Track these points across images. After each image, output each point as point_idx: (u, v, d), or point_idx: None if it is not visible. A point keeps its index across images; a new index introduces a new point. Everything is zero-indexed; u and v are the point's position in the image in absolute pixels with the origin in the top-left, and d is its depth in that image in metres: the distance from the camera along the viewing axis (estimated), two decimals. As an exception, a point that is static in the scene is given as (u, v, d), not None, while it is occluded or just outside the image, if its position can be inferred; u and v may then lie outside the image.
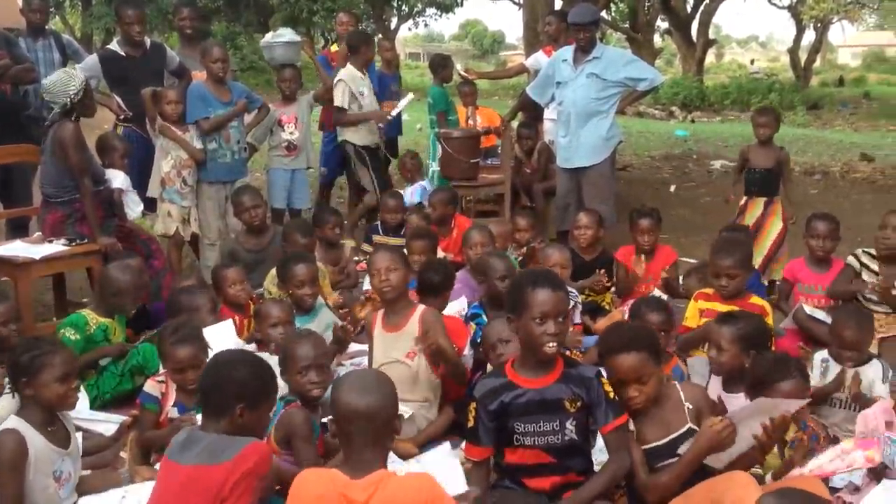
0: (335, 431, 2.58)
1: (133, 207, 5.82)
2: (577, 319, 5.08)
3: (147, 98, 6.26)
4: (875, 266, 4.88)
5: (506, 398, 3.00)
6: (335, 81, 7.30)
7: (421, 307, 4.01)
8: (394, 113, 7.69)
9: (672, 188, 10.50)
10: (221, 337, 4.05)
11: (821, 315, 4.68)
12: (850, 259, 5.04)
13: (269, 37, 7.87)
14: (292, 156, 7.14)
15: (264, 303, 4.56)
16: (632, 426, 3.10)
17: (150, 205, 6.30)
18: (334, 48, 8.33)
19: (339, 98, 7.23)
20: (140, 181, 6.12)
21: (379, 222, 6.39)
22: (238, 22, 24.27)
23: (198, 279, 5.89)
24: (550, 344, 2.94)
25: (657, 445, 3.08)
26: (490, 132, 8.16)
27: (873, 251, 4.94)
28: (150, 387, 3.75)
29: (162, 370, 3.83)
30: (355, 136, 7.43)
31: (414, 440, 3.72)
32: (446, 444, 3.27)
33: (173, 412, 3.66)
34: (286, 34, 7.68)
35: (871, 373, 3.90)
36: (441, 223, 6.21)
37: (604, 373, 3.12)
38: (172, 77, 6.73)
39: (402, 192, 7.18)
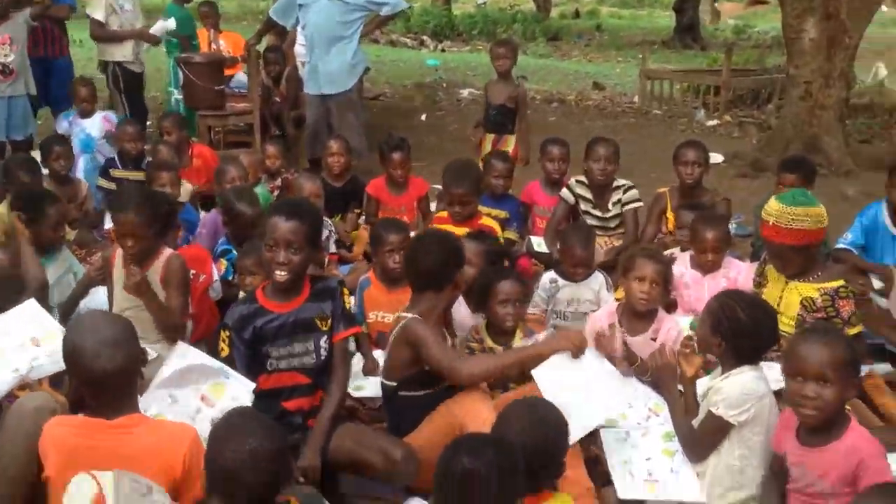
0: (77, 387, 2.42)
1: None
2: (332, 249, 5.13)
3: None
4: (590, 195, 5.19)
5: (258, 323, 2.99)
6: None
7: (167, 251, 3.81)
8: (155, 31, 7.22)
9: (423, 117, 10.73)
10: None
11: (544, 248, 5.05)
12: (564, 192, 5.25)
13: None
14: (8, 81, 6.54)
15: None
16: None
17: None
18: None
19: (97, 11, 6.92)
20: None
21: (116, 154, 5.97)
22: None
23: None
24: (278, 272, 2.94)
25: None
26: (237, 61, 7.88)
27: (585, 179, 5.23)
28: None
29: None
30: (118, 54, 7.07)
31: None
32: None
33: None
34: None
35: (596, 284, 4.30)
36: (177, 151, 5.91)
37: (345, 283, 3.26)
38: None
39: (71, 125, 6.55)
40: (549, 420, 2.35)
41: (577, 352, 3.01)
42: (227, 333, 3.01)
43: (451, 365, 2.99)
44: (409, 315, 3.11)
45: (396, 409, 3.22)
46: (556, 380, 2.95)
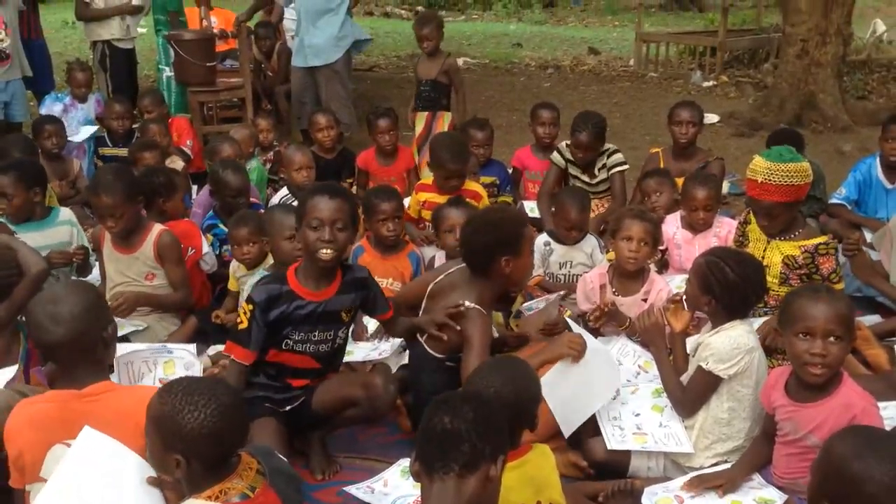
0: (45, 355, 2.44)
1: None
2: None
3: None
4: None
5: (287, 308, 2.95)
6: None
7: (157, 228, 3.83)
8: (136, 1, 7.20)
9: (417, 87, 10.66)
10: None
11: (537, 213, 5.09)
12: (555, 156, 5.24)
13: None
14: (5, 66, 6.50)
15: None
16: None
17: None
18: None
19: None
20: None
21: (106, 132, 5.98)
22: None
23: None
24: (324, 250, 2.88)
25: None
26: (228, 37, 7.84)
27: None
28: None
29: None
30: (105, 32, 7.07)
31: None
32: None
33: None
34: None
35: (589, 246, 4.31)
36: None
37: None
38: None
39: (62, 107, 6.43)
40: (521, 375, 2.37)
41: (579, 356, 2.97)
42: (251, 308, 2.92)
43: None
44: (472, 305, 3.06)
45: (436, 376, 3.17)
46: (560, 389, 2.98)
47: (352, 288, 3.05)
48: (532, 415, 2.32)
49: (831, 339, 2.54)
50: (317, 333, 3.01)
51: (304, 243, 2.94)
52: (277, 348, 3.01)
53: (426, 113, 6.17)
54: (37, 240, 3.87)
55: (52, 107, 6.33)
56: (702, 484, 2.79)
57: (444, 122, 6.17)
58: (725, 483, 2.76)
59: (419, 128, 6.20)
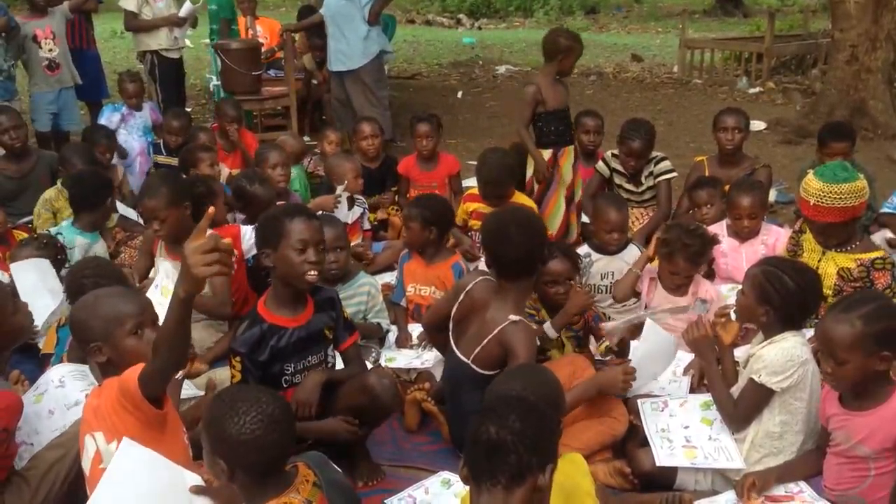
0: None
1: None
2: (367, 226, 5.17)
3: None
4: (622, 168, 5.15)
5: (274, 343, 2.88)
6: None
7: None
8: (181, 14, 7.32)
9: (459, 94, 10.69)
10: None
11: (584, 218, 5.05)
12: (600, 165, 5.24)
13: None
14: (56, 74, 6.64)
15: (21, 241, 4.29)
16: None
17: None
18: None
19: (129, 2, 7.04)
20: None
21: (162, 142, 6.08)
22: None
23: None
24: (311, 272, 2.83)
25: None
26: (274, 51, 7.96)
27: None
28: None
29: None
30: (153, 43, 7.18)
31: (203, 359, 3.68)
32: None
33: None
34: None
35: (631, 256, 4.27)
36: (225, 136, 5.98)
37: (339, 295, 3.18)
38: None
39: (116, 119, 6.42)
40: (542, 382, 2.36)
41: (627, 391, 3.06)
42: (238, 359, 2.87)
43: None
44: (515, 318, 2.95)
45: (478, 393, 2.86)
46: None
47: (326, 307, 3.02)
48: (558, 422, 2.30)
49: (836, 360, 2.51)
50: (310, 358, 2.97)
51: (285, 266, 2.84)
52: (280, 388, 2.90)
53: (549, 150, 4.91)
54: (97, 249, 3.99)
55: (111, 117, 6.41)
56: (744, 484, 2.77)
57: (570, 156, 5.02)
58: (759, 480, 2.74)
59: (569, 165, 4.96)
